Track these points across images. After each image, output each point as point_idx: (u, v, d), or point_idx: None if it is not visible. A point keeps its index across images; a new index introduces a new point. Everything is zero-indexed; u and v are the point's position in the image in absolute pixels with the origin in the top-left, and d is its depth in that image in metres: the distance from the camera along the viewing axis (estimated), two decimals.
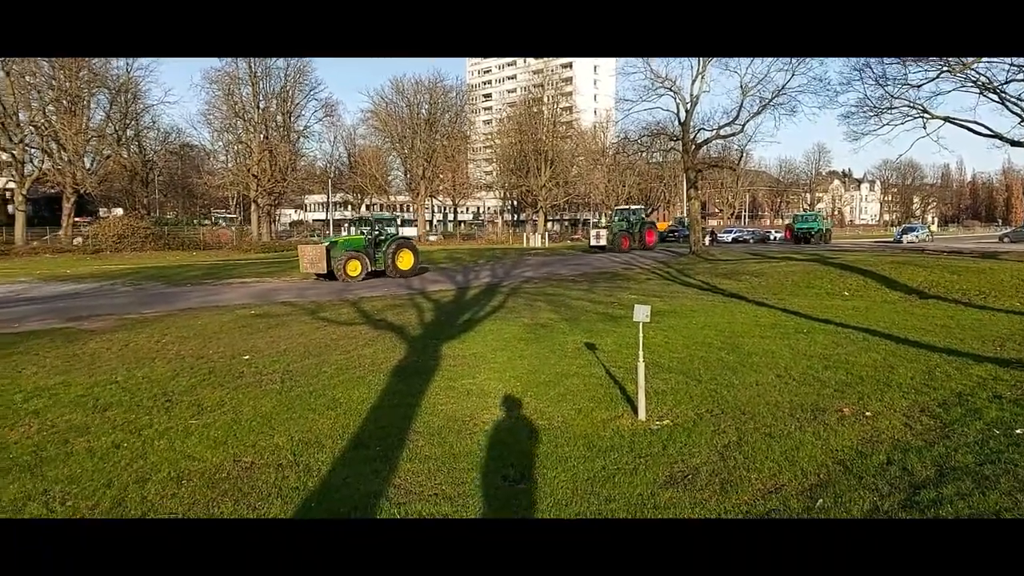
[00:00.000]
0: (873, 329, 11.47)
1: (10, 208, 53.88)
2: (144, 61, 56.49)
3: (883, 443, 5.70)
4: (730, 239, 55.96)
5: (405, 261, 25.34)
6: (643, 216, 40.73)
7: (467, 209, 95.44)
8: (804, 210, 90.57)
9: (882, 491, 4.66)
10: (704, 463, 5.40)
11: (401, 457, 5.69)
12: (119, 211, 59.55)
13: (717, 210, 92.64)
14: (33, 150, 49.04)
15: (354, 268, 23.99)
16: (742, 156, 52.73)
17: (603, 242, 37.26)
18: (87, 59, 48.44)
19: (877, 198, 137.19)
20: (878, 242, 53.02)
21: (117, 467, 5.44)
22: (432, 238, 71.66)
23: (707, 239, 46.53)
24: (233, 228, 60.32)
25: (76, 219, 50.40)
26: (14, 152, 46.66)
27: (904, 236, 52.53)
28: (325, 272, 24.15)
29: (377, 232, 25.47)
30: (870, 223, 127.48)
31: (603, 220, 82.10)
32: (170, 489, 4.98)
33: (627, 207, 43.04)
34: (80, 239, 45.82)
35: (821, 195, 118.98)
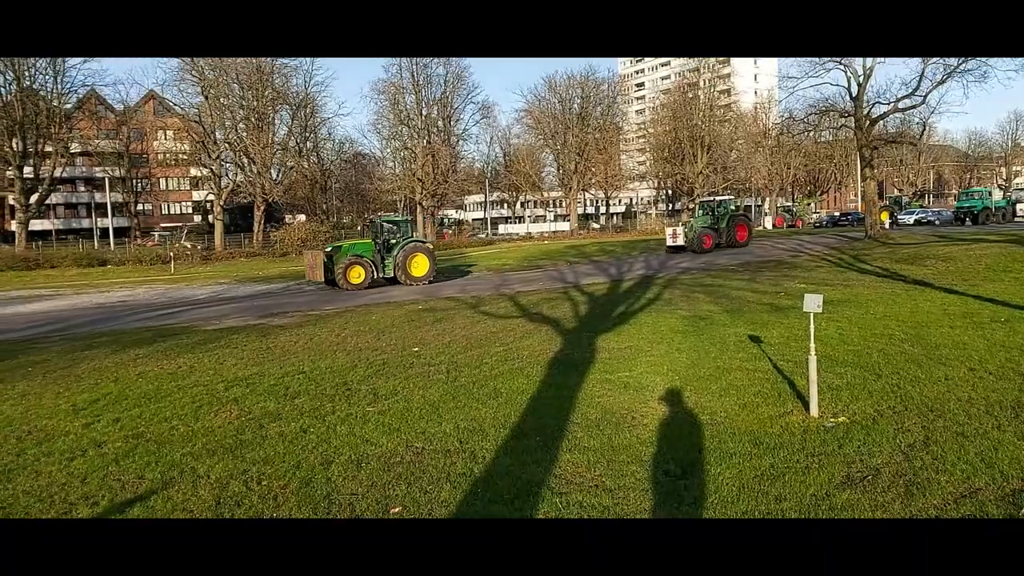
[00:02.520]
0: None
1: (210, 218, 60.65)
2: (320, 78, 61.25)
3: None
4: (912, 221, 51.06)
5: (419, 267, 23.29)
6: (732, 208, 33.63)
7: (619, 201, 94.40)
8: (998, 186, 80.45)
9: None
10: (886, 463, 5.00)
11: (561, 448, 5.78)
12: (302, 217, 65.11)
13: (898, 191, 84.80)
14: (227, 165, 54.85)
15: (356, 275, 22.37)
16: (924, 130, 47.99)
17: (680, 241, 30.89)
18: (271, 79, 53.36)
19: None
20: None
21: (305, 450, 5.97)
22: (596, 225, 72.49)
23: (887, 221, 42.74)
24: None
25: (265, 226, 55.71)
26: (212, 167, 52.43)
27: None
28: (323, 280, 22.83)
29: (387, 236, 23.67)
30: None
31: (766, 206, 78.19)
32: (351, 472, 5.40)
33: (712, 198, 36.23)
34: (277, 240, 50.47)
35: (1019, 169, 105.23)
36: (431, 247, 24.77)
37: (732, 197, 42.19)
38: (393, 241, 23.63)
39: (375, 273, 23.03)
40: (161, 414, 7.30)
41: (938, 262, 18.88)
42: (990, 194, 47.59)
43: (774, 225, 59.84)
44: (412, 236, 24.66)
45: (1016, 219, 44.39)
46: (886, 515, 4.20)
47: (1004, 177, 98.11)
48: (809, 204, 65.56)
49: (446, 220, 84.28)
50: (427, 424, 6.57)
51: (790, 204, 66.25)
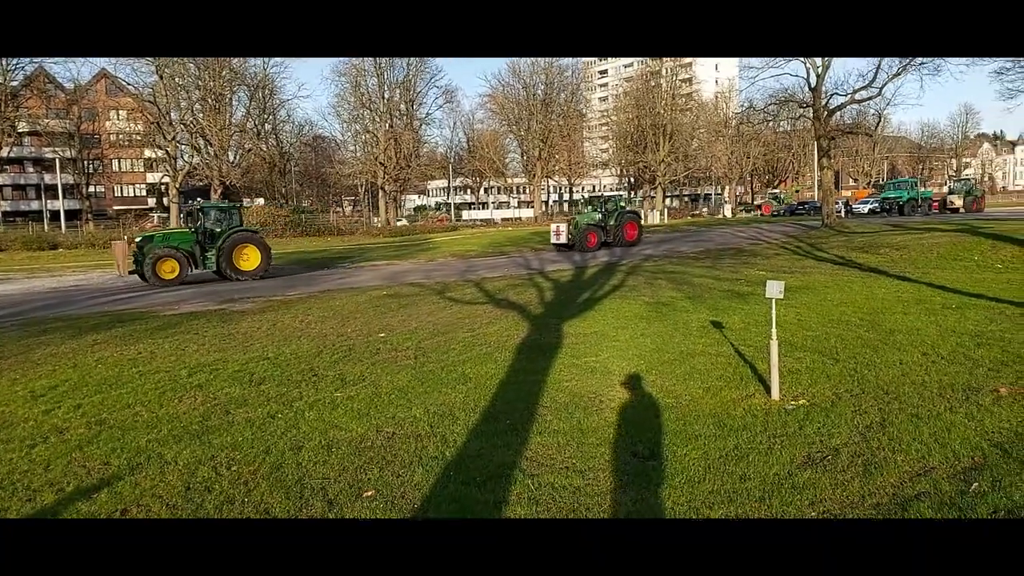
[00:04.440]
0: None
1: (165, 200, 59.22)
2: (279, 58, 59.94)
3: None
4: (866, 210, 52.37)
5: (249, 260, 21.32)
6: (623, 204, 31.17)
7: (583, 188, 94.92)
8: (949, 177, 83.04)
9: None
10: (845, 444, 5.19)
11: (531, 431, 5.85)
12: (260, 201, 63.98)
13: (853, 180, 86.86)
14: (183, 146, 53.49)
15: (169, 269, 20.25)
16: (879, 121, 49.21)
17: (563, 239, 28.50)
18: (228, 59, 52.07)
19: None
20: None
21: (273, 436, 5.94)
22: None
23: (841, 210, 43.80)
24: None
25: None
26: (168, 149, 51.13)
27: None
28: (127, 273, 20.96)
29: (210, 225, 21.44)
30: None
31: (725, 195, 79.50)
32: (321, 456, 5.39)
33: (600, 195, 34.06)
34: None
35: (968, 160, 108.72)
36: (263, 238, 22.50)
37: (623, 194, 40.29)
38: (218, 231, 21.30)
39: (192, 267, 20.91)
40: (123, 400, 7.17)
41: (892, 250, 19.46)
42: (915, 185, 48.79)
43: (761, 212, 60.81)
44: (241, 225, 22.29)
45: (948, 209, 45.50)
46: (845, 493, 4.37)
47: (954, 168, 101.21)
48: (797, 191, 67.90)
49: (441, 207, 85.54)
50: (396, 409, 6.58)
51: (777, 191, 68.70)
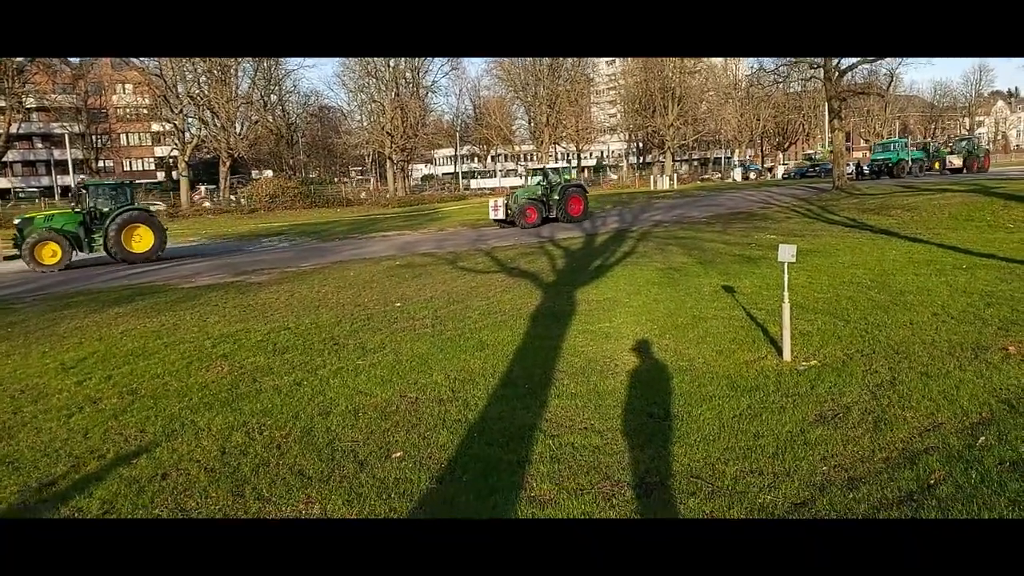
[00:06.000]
0: None
1: (175, 174, 59.37)
2: None
3: None
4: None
5: (142, 241, 19.79)
6: (567, 177, 28.46)
7: (591, 154, 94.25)
8: (958, 136, 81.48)
9: None
10: (855, 402, 5.34)
11: (549, 394, 6.03)
12: (268, 173, 64.06)
13: (864, 141, 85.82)
14: (191, 120, 53.49)
15: (50, 253, 18.59)
16: (891, 81, 48.44)
17: (501, 215, 26.16)
18: None
19: None
20: None
21: (301, 402, 6.15)
22: (613, 177, 71.99)
23: (852, 171, 43.33)
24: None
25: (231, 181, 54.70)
26: (175, 122, 51.12)
27: None
28: (1, 259, 19.56)
29: (98, 205, 19.83)
30: None
31: (735, 158, 78.78)
32: (349, 421, 5.60)
33: (543, 166, 31.51)
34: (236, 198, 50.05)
35: (982, 119, 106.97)
36: (156, 218, 21.05)
37: (568, 165, 36.64)
38: (106, 210, 19.80)
39: (77, 250, 19.37)
40: (152, 370, 7.40)
41: (903, 212, 19.38)
42: (905, 146, 47.39)
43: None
44: (133, 203, 20.74)
45: (947, 170, 44.31)
46: (856, 448, 4.54)
47: (967, 127, 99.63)
48: (831, 152, 67.59)
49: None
50: (418, 375, 6.77)
51: (812, 152, 67.89)
